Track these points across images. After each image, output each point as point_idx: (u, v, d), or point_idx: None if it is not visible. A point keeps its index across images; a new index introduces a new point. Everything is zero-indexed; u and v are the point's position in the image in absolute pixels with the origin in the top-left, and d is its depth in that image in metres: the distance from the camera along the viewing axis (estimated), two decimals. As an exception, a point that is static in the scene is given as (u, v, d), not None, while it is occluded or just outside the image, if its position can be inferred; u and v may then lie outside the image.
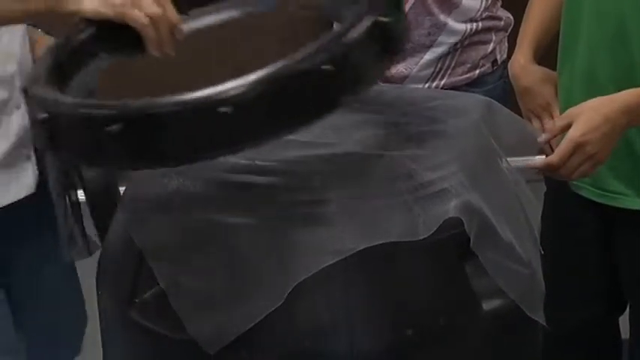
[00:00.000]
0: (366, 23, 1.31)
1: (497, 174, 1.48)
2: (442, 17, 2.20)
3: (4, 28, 1.71)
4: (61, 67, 1.41)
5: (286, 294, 1.28)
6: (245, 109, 1.23)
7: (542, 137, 1.72)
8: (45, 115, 1.27)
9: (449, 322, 1.40)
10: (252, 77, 1.22)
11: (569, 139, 1.66)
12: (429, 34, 2.22)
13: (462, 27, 2.21)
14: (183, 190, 1.42)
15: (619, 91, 1.74)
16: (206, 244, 1.37)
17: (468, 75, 2.24)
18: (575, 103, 1.85)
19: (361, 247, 1.28)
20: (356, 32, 1.31)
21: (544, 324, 1.43)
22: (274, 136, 1.26)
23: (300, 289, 1.31)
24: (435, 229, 1.30)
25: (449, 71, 2.28)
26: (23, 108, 1.59)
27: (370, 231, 1.31)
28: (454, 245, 1.36)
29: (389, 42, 1.37)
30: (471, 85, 2.24)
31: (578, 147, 1.66)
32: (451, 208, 1.33)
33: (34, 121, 1.32)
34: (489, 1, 2.22)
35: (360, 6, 1.36)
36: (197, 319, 1.34)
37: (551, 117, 1.98)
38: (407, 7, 2.17)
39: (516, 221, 1.44)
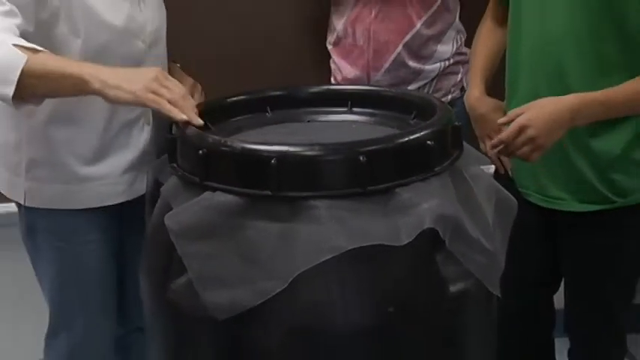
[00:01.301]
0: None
1: (466, 186, 1.48)
2: (419, 66, 2.22)
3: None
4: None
5: (289, 280, 1.30)
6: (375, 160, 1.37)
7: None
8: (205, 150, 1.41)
9: (422, 301, 1.41)
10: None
11: (516, 121, 1.69)
12: (409, 77, 2.24)
13: (436, 66, 2.24)
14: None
15: None
16: (224, 233, 1.36)
17: (442, 99, 2.15)
18: None
19: (351, 247, 1.30)
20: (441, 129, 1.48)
21: (499, 296, 1.48)
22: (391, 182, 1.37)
23: (302, 276, 1.31)
24: (415, 236, 1.32)
25: None
26: (151, 124, 1.76)
27: (359, 234, 1.32)
28: (429, 242, 1.37)
29: (458, 137, 1.53)
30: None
31: (522, 129, 1.67)
32: (427, 220, 1.34)
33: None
34: (459, 44, 2.25)
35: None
36: (212, 292, 1.35)
37: None
38: (386, 65, 2.20)
39: (482, 219, 1.45)
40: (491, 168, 2.01)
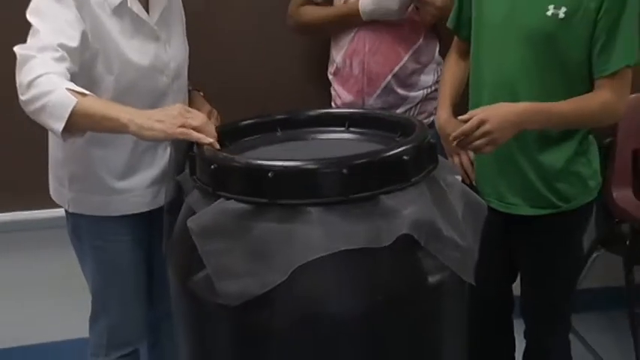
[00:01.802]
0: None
1: (441, 192, 1.50)
2: (405, 93, 2.27)
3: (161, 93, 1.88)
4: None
5: (288, 273, 1.34)
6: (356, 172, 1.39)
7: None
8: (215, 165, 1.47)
9: (405, 291, 1.44)
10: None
11: (476, 116, 1.70)
12: (397, 102, 2.27)
13: (420, 93, 2.29)
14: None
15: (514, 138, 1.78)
16: (234, 233, 1.40)
17: (426, 120, 2.25)
18: None
19: (342, 248, 1.35)
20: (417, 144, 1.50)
21: (473, 284, 1.51)
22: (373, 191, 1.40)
23: (305, 270, 1.35)
24: (394, 239, 1.36)
25: None
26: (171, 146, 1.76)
27: (346, 237, 1.36)
28: (412, 240, 1.40)
29: (432, 152, 1.55)
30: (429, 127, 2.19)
31: (481, 123, 1.68)
32: (405, 225, 1.37)
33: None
34: (438, 74, 2.28)
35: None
36: (224, 282, 1.38)
37: (467, 154, 2.01)
38: (378, 91, 2.24)
39: (455, 220, 1.48)
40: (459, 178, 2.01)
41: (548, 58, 1.78)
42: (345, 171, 1.37)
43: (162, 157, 1.89)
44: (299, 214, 1.37)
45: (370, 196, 1.38)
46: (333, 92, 2.35)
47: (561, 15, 1.73)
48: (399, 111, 2.25)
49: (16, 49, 1.61)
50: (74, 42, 1.65)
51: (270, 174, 1.38)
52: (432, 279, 1.46)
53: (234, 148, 1.67)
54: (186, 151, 1.63)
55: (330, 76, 2.34)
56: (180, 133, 1.55)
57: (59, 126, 1.54)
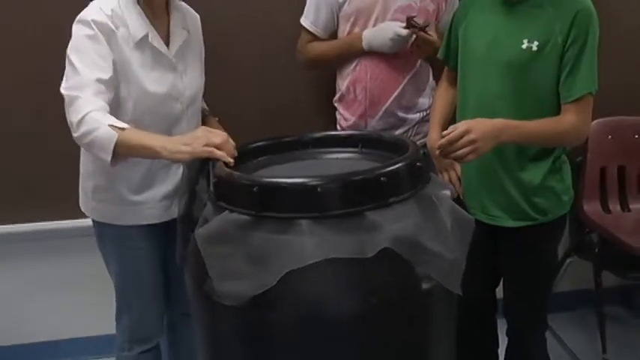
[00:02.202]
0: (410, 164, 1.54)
1: (432, 208, 1.50)
2: (404, 115, 2.32)
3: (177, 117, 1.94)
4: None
5: (278, 278, 1.37)
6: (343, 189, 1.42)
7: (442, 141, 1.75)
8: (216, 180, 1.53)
9: (399, 295, 1.45)
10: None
11: (462, 125, 1.73)
12: (397, 123, 2.32)
13: (417, 115, 2.35)
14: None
15: (497, 148, 1.82)
16: (233, 240, 1.44)
17: (422, 140, 2.31)
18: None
19: (329, 257, 1.36)
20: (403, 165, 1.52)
21: (460, 294, 1.50)
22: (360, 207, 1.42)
23: (306, 274, 1.36)
24: (376, 252, 1.37)
25: (411, 138, 2.31)
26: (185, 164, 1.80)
27: (332, 247, 1.38)
28: None
29: (421, 171, 1.57)
30: (424, 147, 2.21)
31: (466, 131, 1.71)
32: (386, 239, 1.39)
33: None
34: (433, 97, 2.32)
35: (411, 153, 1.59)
36: (223, 283, 1.43)
37: (455, 172, 2.08)
38: (379, 114, 2.29)
39: (444, 234, 1.47)
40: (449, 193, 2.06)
41: (523, 85, 1.87)
42: (333, 188, 1.42)
43: (175, 175, 1.95)
44: (291, 225, 1.41)
45: (356, 211, 1.41)
46: (338, 115, 2.41)
47: (534, 48, 1.83)
48: (398, 132, 2.32)
49: (63, 90, 1.75)
50: (108, 73, 1.77)
51: (255, 189, 1.44)
52: (424, 285, 1.48)
53: (249, 166, 1.73)
54: (198, 169, 1.71)
55: (336, 103, 2.42)
56: (203, 152, 1.65)
57: (107, 157, 1.71)
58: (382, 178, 1.44)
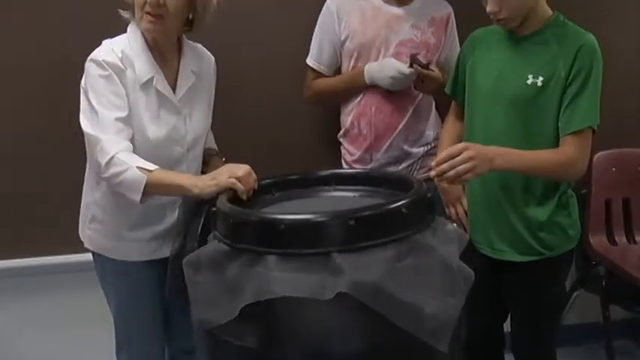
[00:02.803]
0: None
1: (417, 257, 1.42)
2: (409, 149, 2.34)
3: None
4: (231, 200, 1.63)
5: (238, 310, 1.39)
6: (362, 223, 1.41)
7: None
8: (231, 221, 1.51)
9: (402, 335, 1.38)
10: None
11: (460, 143, 1.74)
12: (402, 157, 2.34)
13: (421, 149, 2.37)
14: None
15: (503, 183, 1.86)
16: (210, 269, 1.48)
17: (426, 174, 2.26)
18: (474, 195, 1.98)
19: (282, 295, 1.36)
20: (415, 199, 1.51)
21: (445, 351, 1.38)
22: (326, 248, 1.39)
23: (309, 312, 1.38)
24: (332, 296, 1.34)
25: (415, 172, 2.37)
26: (180, 209, 1.83)
27: (293, 285, 1.37)
28: None
29: (431, 207, 1.56)
30: (429, 180, 2.18)
31: (464, 148, 1.71)
32: (344, 284, 1.35)
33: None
34: (438, 131, 2.36)
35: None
36: (198, 310, 1.49)
37: (462, 206, 2.08)
38: (384, 147, 2.31)
39: (425, 287, 1.39)
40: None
41: (529, 120, 1.88)
42: (297, 227, 1.41)
43: (171, 217, 1.93)
44: (261, 260, 1.42)
45: (317, 252, 1.39)
46: (342, 150, 2.43)
47: (539, 83, 1.86)
48: (402, 165, 2.34)
49: (85, 129, 1.80)
50: (125, 111, 1.82)
51: (231, 220, 1.48)
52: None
53: (259, 202, 1.74)
54: (195, 211, 1.72)
55: (340, 138, 2.44)
56: (227, 183, 1.70)
57: (137, 197, 1.77)
58: (350, 222, 1.40)
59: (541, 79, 1.84)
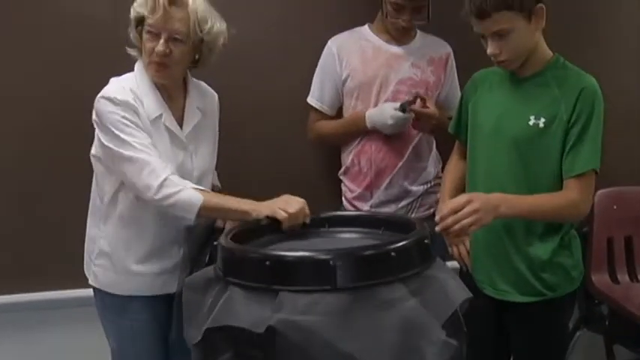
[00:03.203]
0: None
1: (367, 310, 1.39)
2: (409, 187, 2.36)
3: None
4: (237, 235, 1.66)
5: (202, 331, 1.48)
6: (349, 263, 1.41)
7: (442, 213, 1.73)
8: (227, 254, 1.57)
9: None
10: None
11: (464, 195, 1.75)
12: (402, 195, 2.36)
13: (420, 188, 2.38)
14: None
15: (505, 223, 1.86)
16: (203, 291, 1.56)
17: (426, 212, 2.36)
18: (476, 235, 1.96)
19: (226, 324, 1.43)
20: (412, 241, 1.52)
21: None
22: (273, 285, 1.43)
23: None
24: (264, 329, 1.38)
25: (415, 210, 2.39)
26: (185, 245, 1.88)
27: (237, 316, 1.43)
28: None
29: (427, 251, 1.56)
30: (429, 218, 2.25)
31: (469, 200, 1.72)
32: (273, 319, 1.37)
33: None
34: (438, 170, 2.40)
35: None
36: (187, 327, 1.57)
37: (464, 246, 2.06)
38: (384, 184, 2.33)
39: (365, 338, 1.36)
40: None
41: (531, 160, 1.89)
42: (249, 261, 1.49)
43: (177, 252, 1.94)
44: (228, 289, 1.50)
45: (270, 288, 1.43)
46: (343, 187, 2.45)
47: (541, 124, 1.86)
48: (402, 203, 2.35)
49: (127, 153, 1.79)
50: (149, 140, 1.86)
51: (220, 253, 1.57)
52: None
53: (263, 242, 1.75)
54: (200, 246, 1.76)
55: (341, 176, 2.45)
56: (276, 213, 1.72)
57: (191, 217, 1.81)
58: (298, 264, 1.44)
59: (543, 120, 1.85)
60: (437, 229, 1.74)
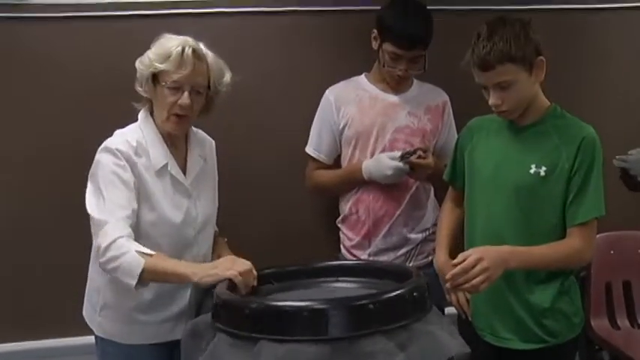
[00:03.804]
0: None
1: None
2: (407, 234, 2.35)
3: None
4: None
5: None
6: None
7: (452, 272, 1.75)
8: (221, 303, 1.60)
9: None
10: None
11: (473, 255, 1.75)
12: (400, 243, 2.35)
13: (419, 236, 2.38)
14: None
15: (505, 275, 1.82)
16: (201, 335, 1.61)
17: (424, 260, 2.35)
18: None
19: None
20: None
21: None
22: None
23: None
24: None
25: (414, 258, 2.38)
26: (189, 293, 1.87)
27: None
28: None
29: (417, 303, 1.55)
30: (427, 266, 2.27)
31: (478, 260, 1.73)
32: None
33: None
34: (436, 216, 2.37)
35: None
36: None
37: (463, 293, 2.03)
38: (382, 232, 2.33)
39: None
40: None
41: (531, 209, 1.90)
42: (231, 311, 1.54)
43: (183, 298, 1.94)
44: (216, 336, 1.55)
45: (252, 337, 1.47)
46: (341, 235, 2.45)
47: (542, 173, 1.88)
48: (401, 251, 2.35)
49: (91, 213, 1.81)
50: (132, 203, 1.84)
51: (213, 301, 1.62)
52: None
53: (259, 292, 1.78)
54: (204, 294, 1.74)
55: (339, 224, 2.45)
56: (230, 275, 1.69)
57: (132, 282, 1.75)
58: (278, 312, 1.47)
59: (544, 168, 1.87)
60: (447, 286, 1.78)
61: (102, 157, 1.86)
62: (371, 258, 2.35)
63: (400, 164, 2.24)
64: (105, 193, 1.81)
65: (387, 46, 2.26)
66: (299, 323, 1.45)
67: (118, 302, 1.93)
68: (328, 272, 1.87)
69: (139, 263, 1.73)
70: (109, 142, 1.88)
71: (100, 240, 1.77)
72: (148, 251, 1.76)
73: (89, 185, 1.87)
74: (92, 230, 1.84)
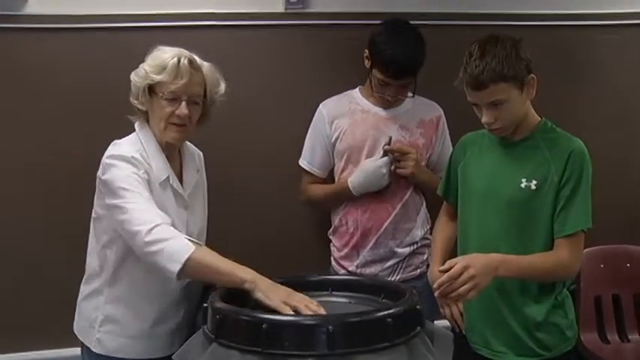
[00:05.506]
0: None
1: None
2: (394, 247, 2.35)
3: None
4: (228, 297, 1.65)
5: None
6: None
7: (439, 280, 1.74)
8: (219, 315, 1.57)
9: None
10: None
11: (460, 262, 1.74)
12: (387, 255, 2.35)
13: (406, 250, 2.37)
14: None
15: (499, 284, 1.85)
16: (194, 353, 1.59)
17: (412, 273, 2.36)
18: None
19: None
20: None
21: None
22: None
23: None
24: None
25: (401, 270, 2.38)
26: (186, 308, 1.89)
27: None
28: None
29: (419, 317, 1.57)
30: (415, 279, 2.31)
31: (465, 267, 1.72)
32: None
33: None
34: (425, 230, 2.39)
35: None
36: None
37: (457, 307, 2.04)
38: (370, 244, 2.33)
39: None
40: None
41: (524, 222, 1.91)
42: (224, 324, 1.52)
43: (181, 312, 1.94)
44: (208, 346, 1.54)
45: (243, 349, 1.46)
46: (332, 247, 2.45)
47: (533, 187, 1.90)
48: (388, 264, 2.35)
49: (123, 204, 1.74)
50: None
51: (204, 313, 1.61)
52: None
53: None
54: (197, 306, 1.72)
55: (330, 235, 2.46)
56: (285, 310, 1.59)
57: (176, 267, 1.65)
58: (264, 325, 1.44)
59: (534, 182, 1.89)
60: (435, 295, 1.76)
61: (116, 164, 1.80)
62: (358, 270, 2.35)
63: (385, 158, 2.26)
64: (131, 188, 1.75)
65: (376, 73, 2.28)
66: (289, 337, 1.43)
67: (124, 316, 1.88)
68: (322, 286, 1.84)
69: (187, 249, 1.66)
70: (117, 150, 1.84)
71: (140, 226, 1.69)
72: (199, 242, 1.73)
73: (106, 194, 1.80)
74: (123, 219, 1.73)
